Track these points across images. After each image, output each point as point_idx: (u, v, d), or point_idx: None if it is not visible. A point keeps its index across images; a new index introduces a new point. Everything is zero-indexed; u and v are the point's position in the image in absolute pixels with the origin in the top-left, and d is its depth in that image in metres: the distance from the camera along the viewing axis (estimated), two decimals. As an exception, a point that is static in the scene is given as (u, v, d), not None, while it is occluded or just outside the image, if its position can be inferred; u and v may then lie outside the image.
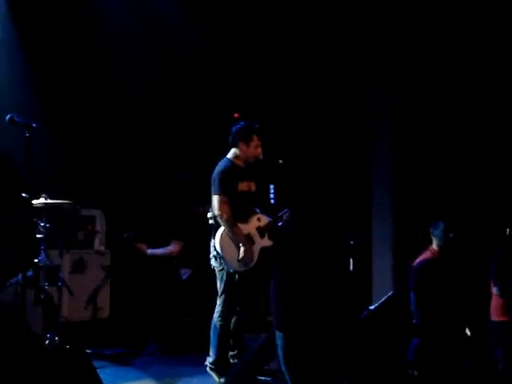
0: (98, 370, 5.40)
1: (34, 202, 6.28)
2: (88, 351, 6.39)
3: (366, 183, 7.53)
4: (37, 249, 6.17)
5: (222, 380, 5.75)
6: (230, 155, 5.91)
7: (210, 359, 5.90)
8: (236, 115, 7.68)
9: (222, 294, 5.79)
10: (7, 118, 5.22)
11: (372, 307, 6.15)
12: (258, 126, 5.93)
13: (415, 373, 5.55)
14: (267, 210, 6.03)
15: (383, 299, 6.21)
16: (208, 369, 5.91)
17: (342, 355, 5.41)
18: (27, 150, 5.16)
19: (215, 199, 5.70)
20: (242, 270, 5.74)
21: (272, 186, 6.26)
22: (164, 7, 8.16)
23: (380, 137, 7.42)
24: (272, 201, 6.14)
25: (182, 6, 8.17)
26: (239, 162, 5.89)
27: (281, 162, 5.95)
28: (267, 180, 6.13)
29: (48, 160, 7.49)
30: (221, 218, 5.70)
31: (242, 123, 5.95)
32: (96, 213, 7.67)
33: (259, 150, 5.88)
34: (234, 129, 5.91)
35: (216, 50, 8.15)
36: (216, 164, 5.85)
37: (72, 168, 7.91)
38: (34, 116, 5.96)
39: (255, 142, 5.87)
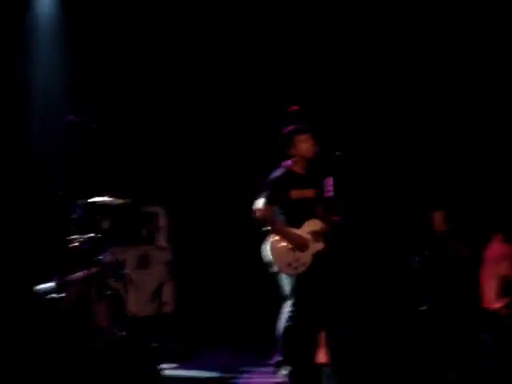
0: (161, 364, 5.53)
1: (97, 200, 6.46)
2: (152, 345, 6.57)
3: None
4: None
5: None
6: (287, 162, 5.94)
7: (276, 358, 5.93)
8: (293, 108, 7.64)
9: (290, 297, 5.81)
10: (68, 118, 5.30)
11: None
12: (296, 126, 5.93)
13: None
14: (325, 204, 6.00)
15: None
16: (275, 367, 5.95)
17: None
18: (88, 150, 5.27)
19: (259, 202, 5.77)
20: (294, 274, 5.72)
21: (330, 180, 6.22)
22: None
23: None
24: (330, 194, 6.10)
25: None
26: (298, 169, 5.91)
27: (338, 153, 5.92)
28: (325, 173, 6.10)
29: (109, 159, 7.64)
30: (259, 221, 5.78)
31: (282, 132, 5.97)
32: (158, 209, 7.80)
33: (307, 145, 5.87)
34: (279, 141, 5.95)
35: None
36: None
37: (134, 166, 8.04)
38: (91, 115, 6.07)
39: (300, 139, 5.88)
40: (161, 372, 5.91)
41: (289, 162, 5.94)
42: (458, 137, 7.24)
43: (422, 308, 5.95)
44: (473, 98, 7.34)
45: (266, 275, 6.11)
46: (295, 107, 7.02)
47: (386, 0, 7.68)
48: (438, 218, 6.65)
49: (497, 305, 5.52)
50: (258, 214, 5.79)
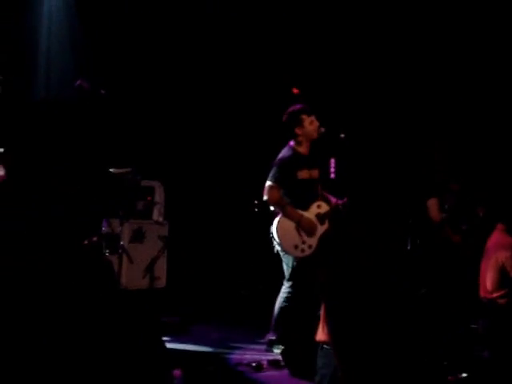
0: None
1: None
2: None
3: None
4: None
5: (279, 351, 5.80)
6: (292, 143, 5.91)
7: (269, 336, 5.95)
8: (295, 91, 7.64)
9: (289, 279, 5.81)
10: (77, 83, 5.24)
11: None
12: (304, 106, 5.92)
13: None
14: (327, 186, 6.02)
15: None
16: (267, 345, 5.96)
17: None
18: (92, 119, 5.24)
19: (267, 184, 5.73)
20: (301, 256, 5.73)
21: (333, 161, 6.24)
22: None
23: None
24: (332, 175, 6.12)
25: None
26: (302, 149, 5.88)
27: (343, 136, 5.92)
28: (328, 154, 6.12)
29: (112, 128, 7.60)
30: (270, 203, 5.74)
31: (288, 110, 5.95)
32: (155, 184, 7.80)
33: (314, 126, 5.87)
34: (283, 119, 5.92)
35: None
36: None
37: (132, 139, 8.01)
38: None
39: (307, 120, 5.87)
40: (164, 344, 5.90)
41: (293, 142, 5.93)
42: (460, 126, 7.28)
43: (420, 292, 5.98)
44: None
45: (260, 253, 6.13)
46: (296, 90, 7.03)
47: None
48: (433, 205, 6.70)
49: (495, 294, 5.54)
50: (267, 196, 5.74)
